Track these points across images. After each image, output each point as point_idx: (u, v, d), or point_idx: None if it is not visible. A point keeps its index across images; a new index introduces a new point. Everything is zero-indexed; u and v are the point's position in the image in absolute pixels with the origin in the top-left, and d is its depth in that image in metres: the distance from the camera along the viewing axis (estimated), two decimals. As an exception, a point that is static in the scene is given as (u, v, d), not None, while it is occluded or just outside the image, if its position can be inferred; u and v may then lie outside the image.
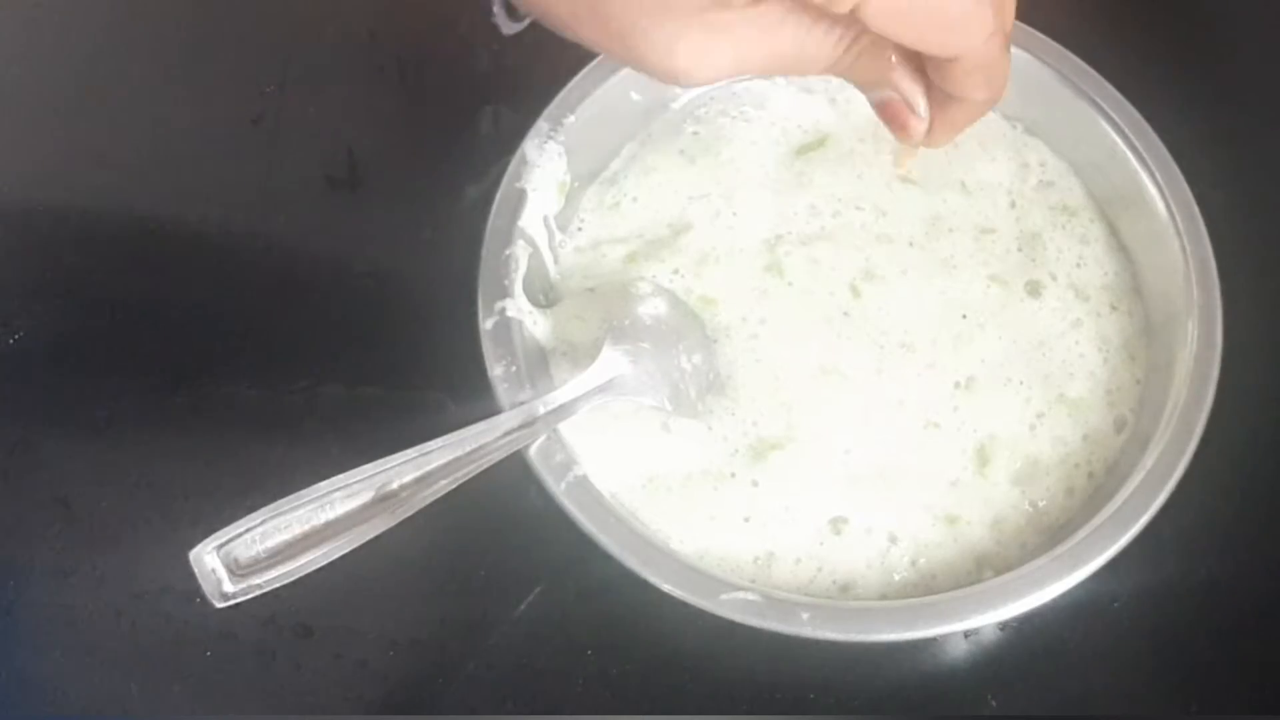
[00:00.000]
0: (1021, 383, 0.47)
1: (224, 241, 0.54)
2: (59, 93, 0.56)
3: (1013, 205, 0.50)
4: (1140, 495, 0.42)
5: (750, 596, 0.41)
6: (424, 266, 0.51)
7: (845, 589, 0.44)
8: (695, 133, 0.52)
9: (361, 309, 0.52)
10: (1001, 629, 0.45)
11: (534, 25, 0.53)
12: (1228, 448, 0.44)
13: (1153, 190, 0.48)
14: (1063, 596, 0.41)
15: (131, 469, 0.49)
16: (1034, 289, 0.49)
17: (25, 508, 0.49)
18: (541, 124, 0.48)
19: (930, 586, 0.44)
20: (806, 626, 0.40)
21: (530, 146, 0.48)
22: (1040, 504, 0.45)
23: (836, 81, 0.53)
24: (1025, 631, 0.45)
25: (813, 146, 0.51)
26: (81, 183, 0.55)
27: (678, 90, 0.52)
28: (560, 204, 0.49)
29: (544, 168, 0.48)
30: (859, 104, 0.52)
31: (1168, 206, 0.47)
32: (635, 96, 0.51)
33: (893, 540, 0.44)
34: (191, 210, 0.54)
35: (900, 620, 0.41)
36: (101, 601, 0.47)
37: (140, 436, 0.50)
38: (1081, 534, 0.42)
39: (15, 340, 0.52)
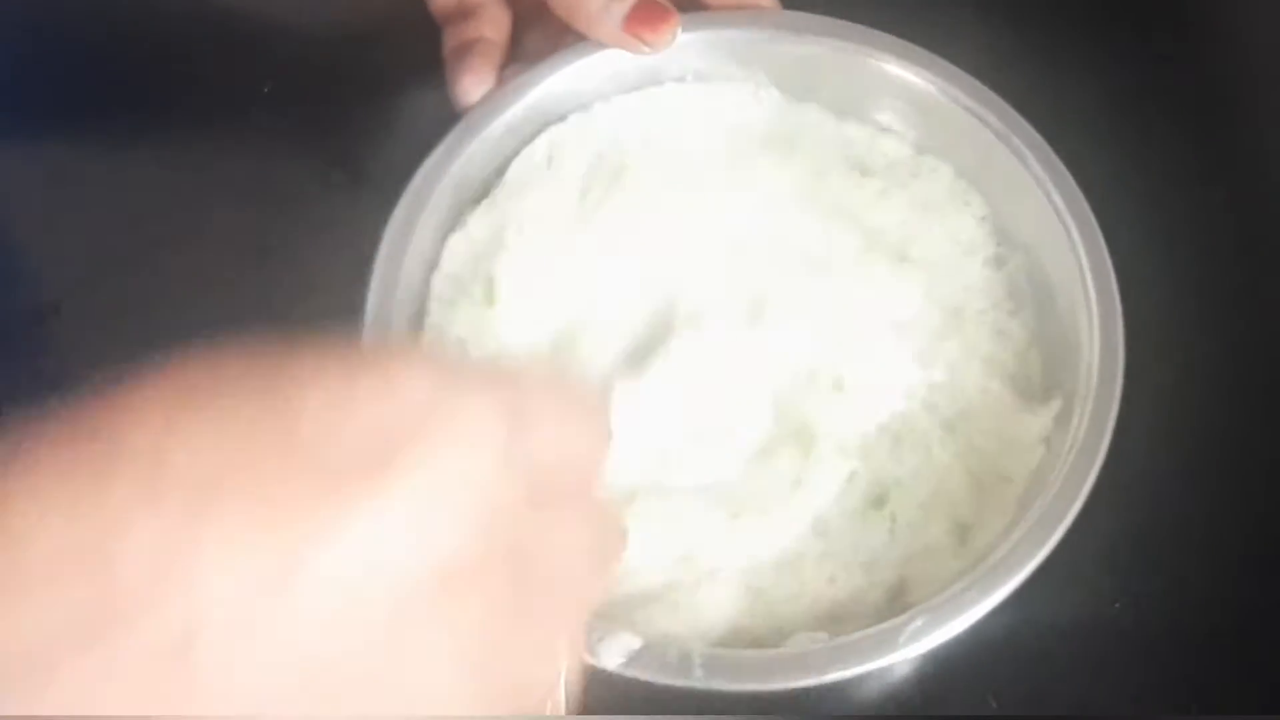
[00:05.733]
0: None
1: (220, 242, 0.54)
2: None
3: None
4: (1056, 506, 0.39)
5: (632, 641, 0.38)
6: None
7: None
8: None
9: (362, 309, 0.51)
10: (1002, 630, 0.45)
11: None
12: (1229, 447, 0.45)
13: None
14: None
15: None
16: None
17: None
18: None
19: (840, 620, 0.41)
20: (699, 680, 0.37)
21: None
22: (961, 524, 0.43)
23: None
24: (1025, 632, 0.45)
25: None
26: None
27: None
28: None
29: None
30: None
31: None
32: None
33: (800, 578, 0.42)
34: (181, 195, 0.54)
35: (805, 666, 0.37)
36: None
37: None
38: (1001, 551, 0.39)
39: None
